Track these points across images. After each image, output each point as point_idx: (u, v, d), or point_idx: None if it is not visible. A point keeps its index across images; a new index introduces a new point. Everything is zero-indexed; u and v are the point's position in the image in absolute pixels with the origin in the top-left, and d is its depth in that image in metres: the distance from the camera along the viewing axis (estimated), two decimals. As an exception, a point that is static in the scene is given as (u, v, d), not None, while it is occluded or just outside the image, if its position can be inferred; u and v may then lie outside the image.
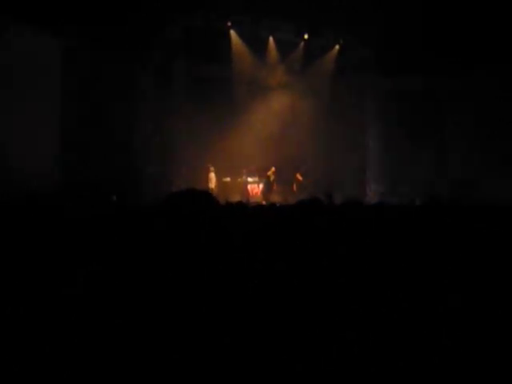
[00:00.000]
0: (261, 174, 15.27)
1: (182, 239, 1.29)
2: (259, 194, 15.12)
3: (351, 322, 1.57)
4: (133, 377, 1.21)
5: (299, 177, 15.21)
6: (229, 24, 14.34)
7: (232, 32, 14.61)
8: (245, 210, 3.17)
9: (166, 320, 1.26)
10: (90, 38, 11.66)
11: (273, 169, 14.91)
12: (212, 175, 14.51)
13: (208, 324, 1.28)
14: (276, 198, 14.48)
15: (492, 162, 13.29)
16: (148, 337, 1.25)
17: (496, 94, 13.45)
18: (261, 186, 15.25)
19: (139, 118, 13.18)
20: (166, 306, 1.26)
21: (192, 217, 1.33)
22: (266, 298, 1.53)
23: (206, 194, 1.42)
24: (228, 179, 15.07)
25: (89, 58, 11.90)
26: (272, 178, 14.92)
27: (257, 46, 14.89)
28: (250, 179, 15.28)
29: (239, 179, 15.23)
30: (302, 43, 15.10)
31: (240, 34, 14.65)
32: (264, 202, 12.60)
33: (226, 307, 1.34)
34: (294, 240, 2.14)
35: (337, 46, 15.32)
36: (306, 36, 14.86)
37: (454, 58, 12.96)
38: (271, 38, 15.02)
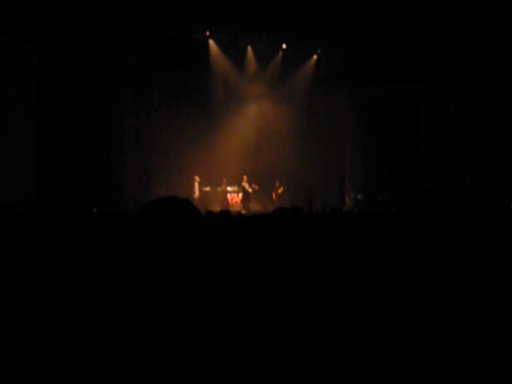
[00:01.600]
0: (240, 183, 15.31)
1: (158, 247, 1.29)
2: (239, 203, 15.12)
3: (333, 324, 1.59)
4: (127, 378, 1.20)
5: (278, 185, 15.26)
6: (207, 34, 14.41)
7: (211, 42, 14.67)
8: (226, 218, 3.19)
9: (139, 330, 1.26)
10: (67, 46, 11.58)
11: (245, 178, 14.92)
12: (196, 185, 14.57)
13: (194, 335, 1.28)
14: (255, 207, 14.51)
15: (469, 168, 13.57)
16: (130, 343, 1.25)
17: (472, 101, 13.76)
18: (240, 194, 15.27)
19: (117, 127, 13.11)
20: (143, 316, 1.26)
21: (171, 225, 1.33)
22: (247, 306, 1.54)
23: (187, 202, 1.43)
24: (208, 188, 15.05)
25: (66, 66, 11.81)
26: (246, 186, 14.94)
27: (235, 55, 14.97)
28: (229, 188, 15.29)
29: (219, 188, 15.23)
30: (281, 53, 15.24)
31: (219, 44, 14.73)
32: (244, 211, 12.60)
33: (205, 316, 1.35)
34: (273, 247, 2.16)
35: (314, 56, 15.51)
36: (284, 46, 15.01)
37: (428, 66, 13.24)
38: (250, 48, 15.13)
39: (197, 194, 14.45)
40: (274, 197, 15.23)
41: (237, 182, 15.24)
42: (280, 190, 15.11)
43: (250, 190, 14.89)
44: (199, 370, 1.21)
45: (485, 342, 1.51)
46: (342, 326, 1.53)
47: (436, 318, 1.65)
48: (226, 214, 3.14)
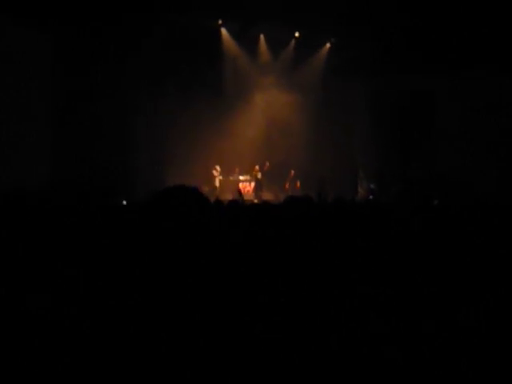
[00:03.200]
0: (252, 172, 15.32)
1: (165, 237, 1.28)
2: (251, 192, 15.11)
3: (344, 319, 1.57)
4: (126, 377, 1.20)
5: (293, 175, 15.23)
6: (220, 22, 14.30)
7: (223, 30, 14.57)
8: (235, 207, 3.17)
9: (152, 321, 1.25)
10: (80, 33, 11.59)
11: (256, 167, 14.97)
12: (216, 174, 14.77)
13: (200, 325, 1.28)
14: (267, 196, 14.48)
15: (483, 160, 13.39)
16: (140, 337, 1.25)
17: (488, 92, 13.54)
18: (252, 184, 15.27)
19: (130, 115, 13.14)
20: (153, 307, 1.26)
21: (179, 214, 1.32)
22: (255, 297, 1.53)
23: (195, 192, 1.42)
24: (220, 178, 15.10)
25: (80, 54, 11.84)
26: (259, 175, 14.95)
27: (248, 44, 14.85)
28: (241, 177, 15.30)
29: (231, 177, 15.25)
30: (293, 41, 15.08)
31: (231, 32, 14.62)
32: (256, 201, 12.58)
33: (214, 306, 1.34)
34: (285, 238, 2.14)
35: (328, 45, 15.32)
36: (296, 34, 14.84)
37: (444, 56, 13.02)
38: (262, 37, 14.99)
39: (217, 183, 14.67)
40: (287, 186, 15.20)
41: (249, 171, 15.25)
42: (298, 184, 15.07)
43: (260, 176, 14.90)
44: (205, 366, 1.20)
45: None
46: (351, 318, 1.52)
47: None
48: (235, 203, 3.13)
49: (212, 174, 14.85)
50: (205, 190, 13.90)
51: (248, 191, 15.09)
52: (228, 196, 13.11)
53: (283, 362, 1.30)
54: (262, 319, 1.37)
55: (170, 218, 1.30)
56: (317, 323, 1.50)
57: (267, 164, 15.06)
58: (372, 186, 15.03)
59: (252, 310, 1.38)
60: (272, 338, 1.34)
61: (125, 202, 9.25)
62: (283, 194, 14.38)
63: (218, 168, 14.86)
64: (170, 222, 1.30)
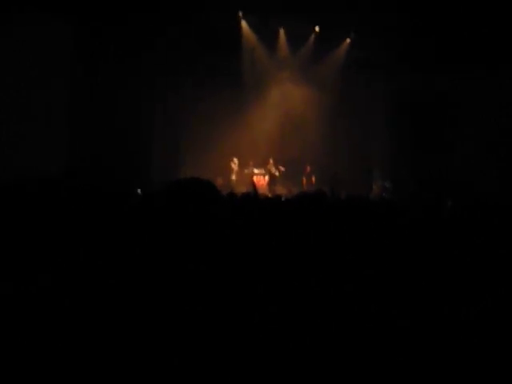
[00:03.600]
0: (266, 166, 15.32)
1: (179, 228, 1.30)
2: (265, 185, 15.12)
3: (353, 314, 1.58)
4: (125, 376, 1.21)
5: (310, 171, 15.21)
6: (240, 15, 14.27)
7: (243, 23, 14.53)
8: (248, 201, 3.18)
9: (164, 314, 1.27)
10: (100, 22, 11.65)
11: (271, 161, 14.98)
12: (234, 167, 14.80)
13: (209, 318, 1.29)
14: (281, 190, 14.47)
15: (499, 163, 13.22)
16: (146, 332, 1.26)
17: (507, 93, 13.34)
18: (266, 177, 15.28)
19: (146, 104, 13.21)
20: (162, 300, 1.27)
21: (191, 207, 1.34)
22: (266, 293, 1.54)
23: (208, 185, 1.43)
24: (237, 169, 15.16)
25: (99, 42, 11.92)
26: (273, 170, 14.96)
27: (268, 37, 14.79)
28: (256, 171, 15.31)
29: (246, 170, 15.26)
30: (313, 36, 14.98)
31: (251, 25, 14.57)
32: (269, 194, 12.59)
33: (223, 301, 1.35)
34: (295, 233, 2.15)
35: (348, 40, 15.18)
36: (317, 29, 14.73)
37: (464, 57, 12.83)
38: (282, 30, 14.92)
39: (234, 176, 14.69)
40: (304, 181, 15.18)
41: (263, 164, 15.25)
42: (313, 179, 15.05)
43: (276, 173, 14.88)
44: (206, 365, 1.21)
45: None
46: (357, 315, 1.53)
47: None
48: (247, 197, 3.14)
49: (230, 167, 14.89)
50: (219, 181, 13.95)
51: (262, 185, 15.10)
52: (242, 189, 13.13)
53: (288, 356, 1.31)
54: (266, 313, 1.38)
55: (182, 210, 1.32)
56: (326, 319, 1.51)
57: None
58: (386, 184, 14.93)
59: (257, 304, 1.40)
60: (277, 330, 1.36)
61: (139, 191, 9.30)
62: (298, 188, 14.38)
63: (235, 160, 14.88)
64: (182, 214, 1.31)
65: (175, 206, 1.33)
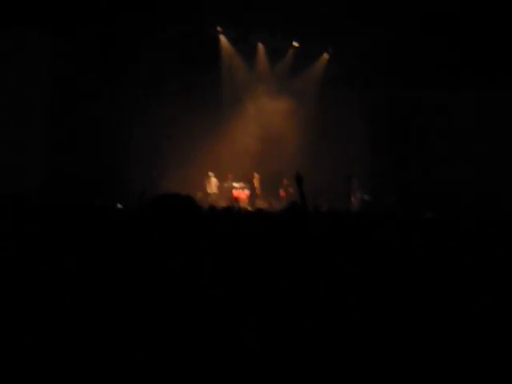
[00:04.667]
0: (246, 180, 15.32)
1: (161, 243, 1.29)
2: (245, 199, 15.11)
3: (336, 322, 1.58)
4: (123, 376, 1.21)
5: (287, 184, 15.24)
6: (219, 29, 14.37)
7: (222, 37, 14.64)
8: (228, 215, 3.18)
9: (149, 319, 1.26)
10: (79, 37, 11.61)
11: (256, 175, 15.02)
12: (213, 180, 14.79)
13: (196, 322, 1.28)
14: (261, 204, 14.49)
15: (476, 173, 13.49)
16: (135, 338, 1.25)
17: (481, 106, 13.70)
18: (246, 191, 15.27)
19: (126, 118, 13.16)
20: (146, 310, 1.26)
21: (171, 223, 1.33)
22: (247, 298, 1.54)
23: (189, 200, 1.43)
24: (216, 184, 15.13)
25: (78, 57, 11.86)
26: (256, 184, 15.00)
27: (246, 52, 14.92)
28: (235, 184, 15.30)
29: (225, 184, 15.24)
30: (291, 51, 15.17)
31: (230, 40, 14.70)
32: (250, 208, 12.58)
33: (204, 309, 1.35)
34: (277, 244, 2.15)
35: (325, 55, 15.42)
36: (295, 44, 14.93)
37: (441, 71, 13.14)
38: (260, 45, 15.07)
39: (214, 190, 14.67)
40: (281, 194, 15.22)
41: (244, 178, 15.25)
42: (291, 191, 15.10)
43: (258, 191, 15.00)
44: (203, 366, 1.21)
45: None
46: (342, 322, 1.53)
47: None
48: (229, 210, 3.14)
49: (207, 180, 14.86)
50: (199, 195, 13.90)
51: (242, 198, 15.09)
52: (222, 203, 13.11)
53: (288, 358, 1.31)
54: (252, 321, 1.38)
55: (163, 225, 1.31)
56: (308, 325, 1.51)
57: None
58: (365, 197, 15.07)
59: (244, 312, 1.39)
60: (267, 336, 1.35)
61: (119, 205, 9.20)
62: (277, 201, 14.40)
63: (210, 174, 14.83)
64: (163, 229, 1.31)
65: (157, 221, 1.33)
